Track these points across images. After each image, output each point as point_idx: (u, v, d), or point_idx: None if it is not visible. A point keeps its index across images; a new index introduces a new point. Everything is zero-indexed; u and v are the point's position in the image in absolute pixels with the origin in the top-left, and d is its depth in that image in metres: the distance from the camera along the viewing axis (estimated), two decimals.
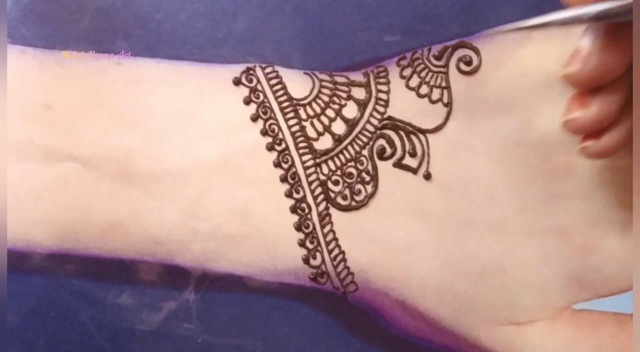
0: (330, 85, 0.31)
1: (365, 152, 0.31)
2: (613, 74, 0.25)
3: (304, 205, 0.31)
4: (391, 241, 0.30)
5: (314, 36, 0.32)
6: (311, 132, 0.31)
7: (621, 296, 0.30)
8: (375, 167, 0.31)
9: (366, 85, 0.31)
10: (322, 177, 0.31)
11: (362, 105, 0.31)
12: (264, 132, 0.31)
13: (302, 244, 0.30)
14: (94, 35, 0.31)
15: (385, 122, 0.31)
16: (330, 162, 0.31)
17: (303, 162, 0.31)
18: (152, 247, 0.30)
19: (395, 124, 0.31)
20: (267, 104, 0.31)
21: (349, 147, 0.31)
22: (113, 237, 0.30)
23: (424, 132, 0.31)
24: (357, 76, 0.31)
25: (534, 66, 0.30)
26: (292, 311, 0.31)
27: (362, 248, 0.30)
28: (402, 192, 0.31)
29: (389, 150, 0.31)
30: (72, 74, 0.30)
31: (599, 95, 0.26)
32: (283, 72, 0.31)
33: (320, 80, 0.31)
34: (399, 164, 0.31)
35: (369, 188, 0.31)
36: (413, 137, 0.31)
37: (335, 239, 0.30)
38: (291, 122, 0.31)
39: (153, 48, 0.31)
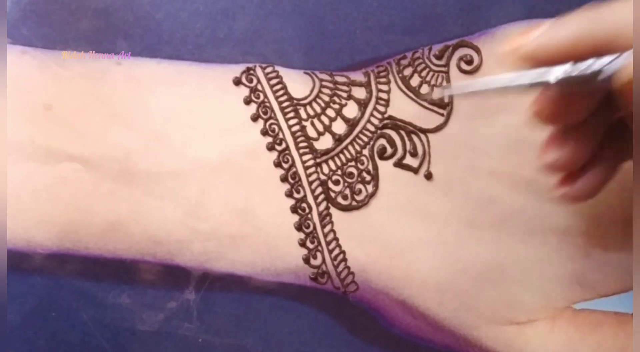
0: (331, 85, 0.31)
1: (365, 151, 0.31)
2: (574, 118, 0.26)
3: (304, 205, 0.31)
4: (392, 241, 0.30)
5: (314, 36, 0.32)
6: (311, 132, 0.31)
7: (621, 296, 0.30)
8: (375, 167, 0.31)
9: (367, 85, 0.31)
10: (322, 177, 0.31)
11: (362, 104, 0.31)
12: (264, 132, 0.31)
13: (302, 243, 0.30)
14: (94, 35, 0.31)
15: (385, 121, 0.31)
16: (330, 162, 0.31)
17: (303, 162, 0.31)
18: (153, 247, 0.30)
19: (395, 124, 0.31)
20: (268, 104, 0.31)
21: (350, 147, 0.31)
22: (113, 237, 0.30)
23: (424, 131, 0.31)
24: (358, 76, 0.31)
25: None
26: (293, 310, 0.31)
27: (362, 248, 0.30)
28: (403, 192, 0.31)
29: (389, 150, 0.31)
30: (72, 74, 0.30)
31: (571, 136, 0.26)
32: (283, 72, 0.31)
33: (321, 80, 0.31)
34: (399, 164, 0.31)
35: (370, 188, 0.31)
36: (414, 137, 0.31)
37: (335, 238, 0.30)
38: (291, 122, 0.31)
39: (153, 48, 0.31)
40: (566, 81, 0.24)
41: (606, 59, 0.23)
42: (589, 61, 0.23)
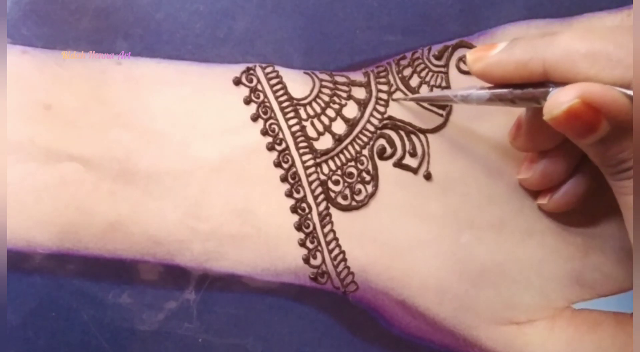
0: (331, 85, 0.31)
1: (365, 152, 0.31)
2: (546, 147, 0.28)
3: (304, 205, 0.31)
4: (391, 241, 0.30)
5: (314, 36, 0.32)
6: (311, 132, 0.31)
7: (621, 296, 0.31)
8: (375, 167, 0.31)
9: (366, 85, 0.31)
10: (322, 177, 0.31)
11: (362, 105, 0.31)
12: (264, 132, 0.31)
13: (302, 243, 0.30)
14: (94, 35, 0.31)
15: (385, 122, 0.31)
16: (330, 162, 0.31)
17: (303, 162, 0.31)
18: (153, 247, 0.30)
19: (395, 124, 0.31)
20: (268, 104, 0.31)
21: (349, 147, 0.31)
22: (113, 237, 0.30)
23: (424, 132, 0.31)
24: (358, 76, 0.31)
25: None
26: (293, 310, 0.31)
27: (362, 248, 0.30)
28: (403, 192, 0.31)
29: (389, 150, 0.31)
30: (72, 74, 0.30)
31: (544, 159, 0.29)
32: (283, 72, 0.31)
33: (321, 80, 0.31)
34: (399, 164, 0.31)
35: (369, 188, 0.31)
36: (413, 137, 0.31)
37: (335, 238, 0.30)
38: (291, 122, 0.31)
39: (153, 48, 0.31)
40: (513, 101, 0.26)
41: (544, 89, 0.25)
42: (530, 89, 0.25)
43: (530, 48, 0.25)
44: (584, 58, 0.23)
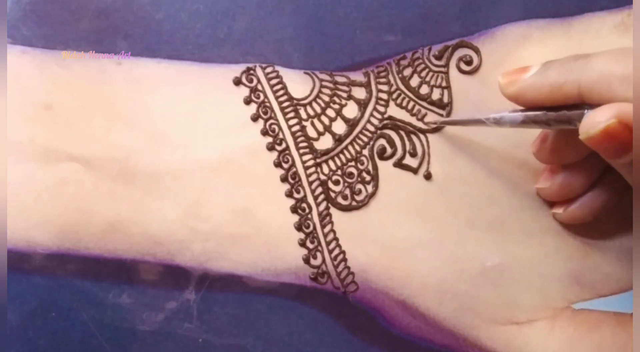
0: (331, 85, 0.31)
1: (365, 152, 0.31)
2: (570, 161, 0.28)
3: (304, 205, 0.31)
4: (391, 241, 0.30)
5: (314, 36, 0.31)
6: (311, 132, 0.31)
7: (621, 295, 0.31)
8: (375, 167, 0.31)
9: (366, 85, 0.31)
10: (322, 177, 0.31)
11: (362, 105, 0.31)
12: (265, 132, 0.31)
13: (302, 243, 0.30)
14: (94, 35, 0.31)
15: (385, 122, 0.31)
16: (330, 162, 0.31)
17: (303, 162, 0.31)
18: (153, 247, 0.30)
19: (395, 124, 0.31)
20: (268, 104, 0.31)
21: (350, 147, 0.31)
22: (114, 237, 0.30)
23: (424, 132, 0.31)
24: (358, 76, 0.31)
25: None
26: (293, 310, 0.31)
27: (362, 248, 0.30)
28: (403, 192, 0.31)
29: (389, 150, 0.31)
30: (72, 74, 0.30)
31: (565, 171, 0.29)
32: (283, 72, 0.31)
33: (321, 80, 0.31)
34: (399, 164, 0.31)
35: (370, 188, 0.31)
36: (413, 137, 0.31)
37: (335, 238, 0.30)
38: (291, 122, 0.31)
39: (153, 48, 0.31)
40: (548, 124, 0.26)
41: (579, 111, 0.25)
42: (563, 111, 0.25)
43: (565, 71, 0.25)
44: (621, 80, 0.23)
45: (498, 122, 0.28)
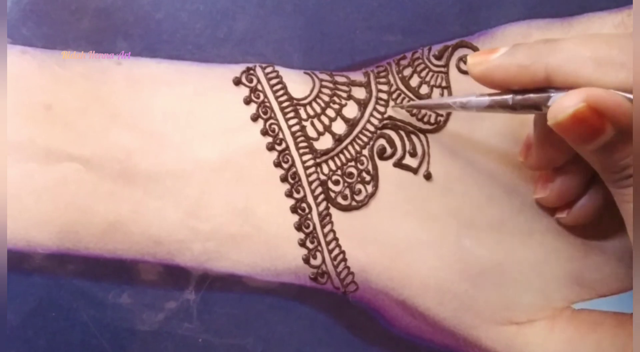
0: (331, 85, 0.31)
1: (365, 152, 0.31)
2: (558, 163, 0.28)
3: (304, 205, 0.31)
4: (391, 241, 0.30)
5: (314, 36, 0.31)
6: (311, 132, 0.31)
7: (621, 296, 0.31)
8: (375, 167, 0.31)
9: (366, 85, 0.31)
10: (322, 177, 0.31)
11: (362, 105, 0.31)
12: (264, 132, 0.31)
13: (302, 243, 0.30)
14: (94, 35, 0.31)
15: (385, 121, 0.31)
16: (330, 162, 0.31)
17: (303, 162, 0.31)
18: (153, 247, 0.30)
19: (395, 124, 0.31)
20: (268, 104, 0.31)
21: (349, 147, 0.31)
22: (114, 237, 0.30)
23: (424, 132, 0.31)
24: (358, 76, 0.31)
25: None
26: (293, 310, 0.31)
27: (362, 248, 0.30)
28: (403, 192, 0.31)
29: (389, 150, 0.31)
30: (72, 74, 0.30)
31: (559, 176, 0.29)
32: (283, 72, 0.31)
33: (321, 80, 0.31)
34: (399, 164, 0.31)
35: (370, 188, 0.31)
36: (413, 137, 0.31)
37: (335, 238, 0.30)
38: (291, 122, 0.31)
39: (153, 48, 0.31)
40: (514, 107, 0.26)
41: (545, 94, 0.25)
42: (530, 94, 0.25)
43: (533, 52, 0.25)
44: (588, 62, 0.23)
45: (464, 106, 0.28)
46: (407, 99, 0.31)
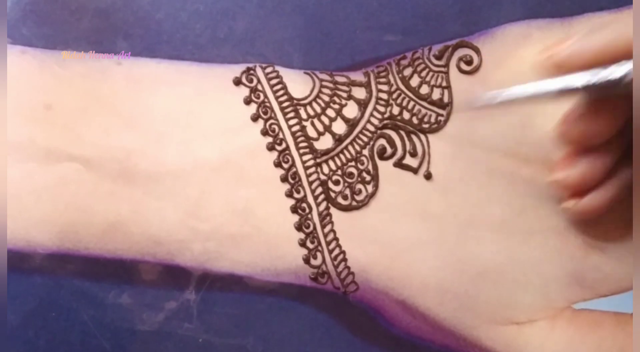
0: (331, 85, 0.31)
1: (365, 152, 0.31)
2: (599, 139, 0.26)
3: (304, 205, 0.31)
4: (392, 241, 0.30)
5: (314, 36, 0.32)
6: (312, 132, 0.31)
7: (621, 296, 0.30)
8: (375, 167, 0.31)
9: (367, 85, 0.31)
10: (322, 177, 0.31)
11: (362, 105, 0.31)
12: (265, 132, 0.31)
13: (302, 243, 0.30)
14: (94, 35, 0.31)
15: (385, 121, 0.31)
16: (330, 162, 0.31)
17: (303, 162, 0.31)
18: (153, 247, 0.30)
19: (395, 124, 0.31)
20: (268, 104, 0.31)
21: (350, 147, 0.31)
22: (114, 237, 0.30)
23: (424, 131, 0.31)
24: (358, 76, 0.31)
25: (535, 65, 0.30)
26: (293, 311, 0.31)
27: (362, 248, 0.30)
28: (403, 192, 0.31)
29: (389, 150, 0.31)
30: (72, 74, 0.30)
31: (586, 157, 0.27)
32: (283, 72, 0.31)
33: (321, 80, 0.31)
34: (399, 164, 0.31)
35: (370, 188, 0.31)
36: (413, 137, 0.31)
37: (335, 238, 0.30)
38: (291, 122, 0.31)
39: (153, 48, 0.31)
40: (592, 87, 0.24)
41: (627, 65, 0.23)
42: (611, 68, 0.24)
43: (616, 28, 0.24)
44: None
45: (563, 91, 0.25)
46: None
